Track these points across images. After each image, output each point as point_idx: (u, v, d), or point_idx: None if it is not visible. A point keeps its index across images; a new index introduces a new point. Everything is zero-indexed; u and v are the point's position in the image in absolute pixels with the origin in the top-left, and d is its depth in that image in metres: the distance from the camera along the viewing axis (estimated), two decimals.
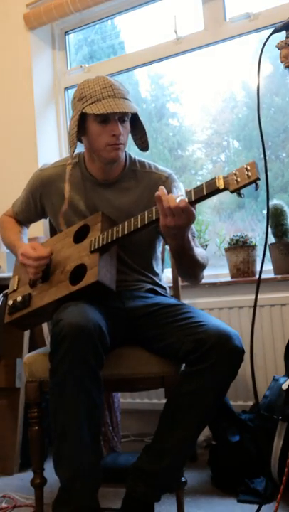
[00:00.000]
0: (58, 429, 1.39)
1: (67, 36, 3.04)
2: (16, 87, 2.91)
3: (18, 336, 2.19)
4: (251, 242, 2.32)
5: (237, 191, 1.28)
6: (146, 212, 1.45)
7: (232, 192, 1.28)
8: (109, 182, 1.70)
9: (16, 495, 1.89)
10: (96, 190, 1.70)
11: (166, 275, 2.18)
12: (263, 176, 1.28)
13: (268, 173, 1.34)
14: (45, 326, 2.28)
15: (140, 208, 1.63)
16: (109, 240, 1.50)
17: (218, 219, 2.70)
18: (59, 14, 2.74)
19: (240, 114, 2.73)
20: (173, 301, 1.72)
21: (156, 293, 1.73)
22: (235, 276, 2.32)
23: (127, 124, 1.62)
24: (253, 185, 1.26)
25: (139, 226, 1.45)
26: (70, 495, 1.37)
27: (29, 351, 2.09)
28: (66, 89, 3.00)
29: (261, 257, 1.44)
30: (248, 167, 1.26)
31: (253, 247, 2.32)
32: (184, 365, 1.51)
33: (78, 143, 1.63)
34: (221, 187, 1.30)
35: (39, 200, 1.80)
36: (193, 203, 1.35)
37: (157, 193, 1.37)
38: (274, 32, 1.43)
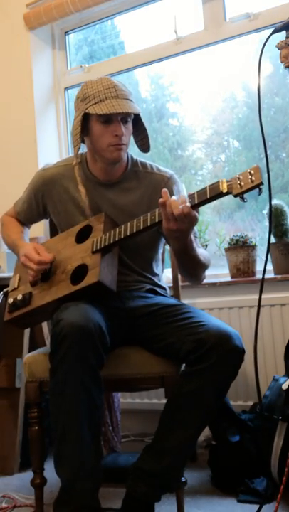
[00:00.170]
0: (59, 429, 1.39)
1: (67, 36, 3.04)
2: (16, 87, 2.91)
3: (18, 336, 2.19)
4: (251, 242, 2.32)
5: (240, 195, 1.28)
6: (149, 214, 1.45)
7: (235, 196, 1.28)
8: (111, 182, 1.70)
9: (16, 495, 1.89)
10: (98, 190, 1.71)
11: (166, 275, 2.18)
12: (264, 176, 1.28)
13: (269, 173, 1.34)
14: (45, 326, 2.28)
15: (142, 208, 1.64)
16: (112, 241, 1.50)
17: (218, 219, 2.70)
18: (59, 14, 2.74)
19: (241, 114, 2.73)
20: (173, 301, 1.72)
21: (156, 293, 1.73)
22: (235, 276, 2.32)
23: (130, 125, 1.63)
24: (256, 189, 1.26)
25: (141, 228, 1.45)
26: (70, 495, 1.37)
27: (29, 351, 2.09)
28: (66, 89, 3.00)
29: (261, 256, 1.44)
30: (252, 171, 1.26)
31: (253, 247, 2.32)
32: (184, 365, 1.51)
33: (81, 143, 1.64)
34: (225, 191, 1.30)
35: (41, 199, 1.80)
36: (196, 206, 1.36)
37: (161, 199, 1.37)
38: (274, 32, 1.43)
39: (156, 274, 1.78)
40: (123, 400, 2.43)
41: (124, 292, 1.66)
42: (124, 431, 2.40)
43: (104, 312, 1.50)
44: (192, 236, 1.49)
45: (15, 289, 1.76)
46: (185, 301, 2.00)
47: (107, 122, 1.57)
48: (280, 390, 1.78)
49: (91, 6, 2.67)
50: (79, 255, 1.58)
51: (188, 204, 1.34)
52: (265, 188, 1.28)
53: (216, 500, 1.75)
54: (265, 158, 1.34)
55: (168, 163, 2.82)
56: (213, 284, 2.32)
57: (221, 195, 1.31)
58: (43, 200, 1.80)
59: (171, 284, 1.98)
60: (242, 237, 2.32)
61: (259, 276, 2.27)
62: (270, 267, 2.25)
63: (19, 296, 1.68)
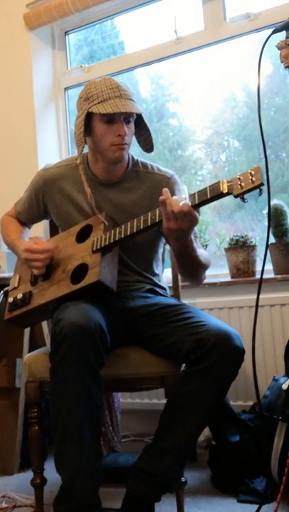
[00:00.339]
0: (59, 428, 1.39)
1: (67, 36, 3.04)
2: (16, 87, 2.91)
3: (18, 336, 2.19)
4: (251, 242, 2.32)
5: (241, 196, 1.28)
6: (149, 214, 1.45)
7: (236, 196, 1.28)
8: (112, 182, 1.71)
9: (16, 495, 1.89)
10: (99, 190, 1.71)
11: (166, 275, 2.18)
12: (264, 176, 1.28)
13: (269, 173, 1.34)
14: (45, 326, 2.28)
15: (142, 208, 1.64)
16: (112, 241, 1.50)
17: (218, 219, 2.70)
18: (59, 14, 2.74)
19: (241, 114, 2.73)
20: (173, 301, 1.72)
21: (156, 293, 1.74)
22: (235, 276, 2.32)
23: (132, 125, 1.63)
24: (257, 190, 1.26)
25: (142, 227, 1.45)
26: (70, 493, 1.37)
27: (29, 351, 2.09)
28: (66, 89, 3.00)
29: (261, 256, 1.44)
30: (253, 172, 1.26)
31: (253, 247, 2.32)
32: (184, 365, 1.51)
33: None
34: (225, 191, 1.30)
35: (42, 199, 1.80)
36: (196, 206, 1.36)
37: (161, 197, 1.37)
38: (274, 32, 1.43)
39: (156, 274, 1.78)
40: (123, 400, 2.43)
41: (124, 292, 1.66)
42: (124, 431, 2.40)
43: (104, 312, 1.50)
44: (192, 236, 1.49)
45: (15, 288, 1.76)
46: (185, 301, 2.00)
47: (110, 122, 1.58)
48: (280, 390, 1.78)
49: (91, 6, 2.67)
50: (79, 255, 1.58)
51: (188, 202, 1.35)
52: (265, 188, 1.28)
53: (216, 500, 1.75)
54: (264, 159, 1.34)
55: (168, 163, 2.82)
56: (213, 284, 2.32)
57: (221, 195, 1.31)
58: (44, 200, 1.80)
59: (171, 284, 1.98)
60: (242, 237, 2.32)
61: (259, 276, 2.27)
62: (270, 267, 2.25)
63: (19, 295, 1.68)
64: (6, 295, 1.83)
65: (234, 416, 1.91)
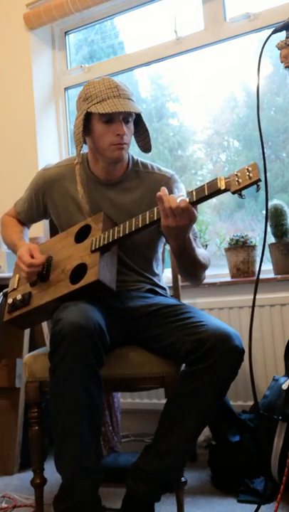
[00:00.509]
0: (59, 428, 1.39)
1: (67, 36, 3.04)
2: (16, 87, 2.91)
3: (18, 336, 2.19)
4: (251, 242, 2.32)
5: (238, 192, 1.28)
6: (147, 213, 1.45)
7: (233, 193, 1.29)
8: (112, 182, 1.71)
9: (16, 495, 1.89)
10: (99, 189, 1.71)
11: (166, 275, 2.18)
12: (262, 176, 1.28)
13: (268, 173, 1.35)
14: (45, 326, 2.28)
15: (142, 208, 1.64)
16: (110, 240, 1.50)
17: (218, 219, 2.70)
18: (59, 14, 2.74)
19: (241, 114, 2.73)
20: (173, 301, 1.72)
21: (156, 293, 1.73)
22: (235, 276, 2.32)
23: (131, 125, 1.63)
24: (254, 186, 1.26)
25: (140, 226, 1.45)
26: (70, 492, 1.38)
27: (29, 351, 2.09)
28: (66, 89, 3.00)
29: (260, 256, 1.44)
30: (250, 168, 1.26)
31: (253, 247, 2.32)
32: (184, 365, 1.51)
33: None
34: (223, 188, 1.30)
35: (42, 199, 1.80)
36: (194, 203, 1.36)
37: (158, 193, 1.37)
38: (274, 32, 1.43)
39: (156, 274, 1.78)
40: (123, 400, 2.43)
41: (123, 292, 1.66)
42: (124, 431, 2.40)
43: (104, 312, 1.50)
44: (192, 236, 1.49)
45: (14, 289, 1.76)
46: (185, 301, 2.00)
47: (109, 122, 1.58)
48: (280, 390, 1.78)
49: (91, 6, 2.67)
50: (78, 255, 1.58)
51: (186, 199, 1.35)
52: (263, 188, 1.28)
53: (216, 500, 1.75)
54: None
55: (168, 163, 2.82)
56: (213, 284, 2.32)
57: (219, 192, 1.31)
58: (44, 200, 1.80)
59: (171, 284, 1.98)
60: (242, 237, 2.32)
61: (260, 276, 2.27)
62: (270, 267, 2.25)
63: (18, 296, 1.68)
64: (5, 296, 1.82)
65: (234, 416, 1.91)
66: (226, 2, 2.52)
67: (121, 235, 1.48)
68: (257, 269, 2.30)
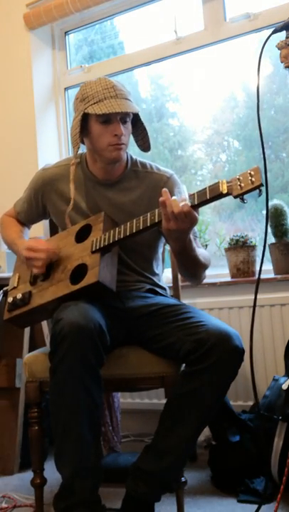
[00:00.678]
0: (59, 428, 1.39)
1: (67, 36, 3.04)
2: (16, 87, 2.91)
3: (18, 336, 2.19)
4: (251, 242, 2.32)
5: (240, 196, 1.28)
6: (148, 214, 1.45)
7: (235, 197, 1.28)
8: (110, 182, 1.71)
9: (16, 495, 1.89)
10: (98, 189, 1.71)
11: (166, 275, 2.18)
12: (263, 177, 1.28)
13: (268, 173, 1.34)
14: (45, 326, 2.28)
15: (141, 207, 1.64)
16: (111, 241, 1.50)
17: (218, 219, 2.70)
18: (59, 14, 2.74)
19: (241, 113, 2.73)
20: (173, 301, 1.72)
21: (156, 293, 1.73)
22: (235, 276, 2.32)
23: (129, 125, 1.63)
24: (256, 190, 1.26)
25: (141, 228, 1.45)
26: (70, 491, 1.38)
27: (29, 351, 2.09)
28: (66, 89, 3.00)
29: (261, 257, 1.44)
30: (252, 172, 1.26)
31: (253, 247, 2.32)
32: (184, 365, 1.51)
33: (80, 143, 1.64)
34: (225, 192, 1.30)
35: (41, 199, 1.80)
36: (196, 206, 1.36)
37: (161, 198, 1.37)
38: (274, 32, 1.43)
39: (156, 274, 1.78)
40: (123, 400, 2.43)
41: (123, 292, 1.66)
42: (124, 431, 2.40)
43: (104, 312, 1.50)
44: (192, 236, 1.49)
45: (14, 288, 1.76)
46: (185, 301, 2.00)
47: (106, 122, 1.58)
48: (280, 390, 1.78)
49: (91, 6, 2.67)
50: (78, 255, 1.58)
51: (188, 203, 1.35)
52: (263, 188, 1.28)
53: (216, 500, 1.75)
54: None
55: (168, 163, 2.82)
56: (213, 284, 2.32)
57: (220, 196, 1.31)
58: (43, 200, 1.80)
59: (171, 284, 1.98)
60: (242, 237, 2.32)
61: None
62: (270, 267, 2.25)
63: (19, 295, 1.68)
64: (5, 295, 1.82)
65: (234, 416, 1.91)
66: (225, 2, 2.52)
67: (122, 237, 1.48)
68: (257, 269, 2.32)
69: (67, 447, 1.38)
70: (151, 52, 2.71)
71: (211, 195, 1.32)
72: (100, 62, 2.93)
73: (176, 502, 1.56)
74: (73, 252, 1.61)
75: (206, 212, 2.62)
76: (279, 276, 2.18)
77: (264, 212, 2.42)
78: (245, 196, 1.28)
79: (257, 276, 1.43)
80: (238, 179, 1.28)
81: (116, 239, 1.49)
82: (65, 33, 3.02)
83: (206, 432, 2.14)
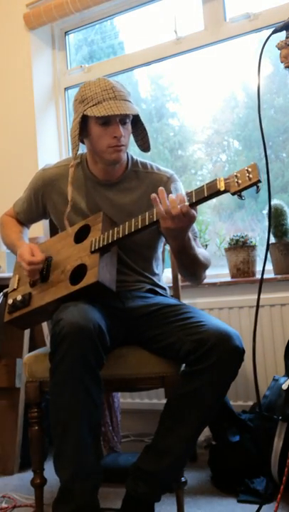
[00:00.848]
0: (59, 429, 1.39)
1: (67, 36, 3.04)
2: (16, 87, 2.91)
3: (18, 336, 2.19)
4: (251, 242, 2.32)
5: (238, 193, 1.27)
6: (147, 213, 1.45)
7: (233, 194, 1.28)
8: (111, 182, 1.71)
9: (16, 495, 1.89)
10: (98, 190, 1.71)
11: (166, 275, 2.18)
12: (264, 177, 1.28)
13: (269, 173, 1.34)
14: (45, 326, 2.28)
15: (141, 208, 1.64)
16: (110, 241, 1.50)
17: (218, 219, 2.70)
18: (59, 14, 2.74)
19: (241, 113, 2.73)
20: (173, 301, 1.72)
21: (156, 293, 1.73)
22: (235, 276, 2.32)
23: (129, 126, 1.63)
24: (254, 187, 1.26)
25: (140, 227, 1.45)
26: (70, 495, 1.37)
27: (29, 351, 2.09)
28: (66, 89, 3.00)
29: (261, 256, 1.44)
30: (249, 169, 1.26)
31: (253, 247, 2.32)
32: (184, 365, 1.51)
33: (80, 144, 1.64)
34: (222, 189, 1.30)
35: (41, 199, 1.80)
36: (193, 204, 1.36)
37: (153, 195, 1.37)
38: (274, 32, 1.43)
39: (156, 274, 1.78)
40: (123, 400, 2.43)
41: (123, 292, 1.66)
42: (124, 431, 2.40)
43: (103, 312, 1.50)
44: (191, 236, 1.49)
45: (14, 289, 1.76)
46: (185, 301, 2.00)
47: (105, 124, 1.57)
48: (280, 390, 1.78)
49: (91, 6, 2.67)
50: (78, 255, 1.58)
51: (186, 203, 1.34)
52: (265, 188, 1.28)
53: (216, 500, 1.75)
54: (264, 158, 1.34)
55: (168, 163, 2.82)
56: (213, 284, 2.32)
57: (218, 193, 1.31)
58: (43, 200, 1.80)
59: (171, 284, 1.98)
60: (242, 237, 2.32)
61: (259, 276, 2.27)
62: (270, 267, 2.25)
63: (19, 297, 1.68)
64: (5, 296, 1.83)
65: (234, 416, 1.91)
66: (225, 2, 2.52)
67: (120, 236, 1.48)
68: (257, 269, 2.32)
69: (66, 448, 1.38)
70: (151, 52, 2.71)
71: (209, 192, 1.32)
72: (99, 62, 2.93)
73: (176, 502, 1.56)
74: (72, 252, 1.61)
75: (206, 212, 2.62)
76: (279, 276, 2.18)
77: (264, 212, 2.42)
78: (244, 197, 1.28)
79: (259, 276, 1.43)
80: (236, 176, 1.28)
81: (115, 238, 1.49)
82: (65, 33, 3.02)
83: (206, 432, 2.14)
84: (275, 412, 1.75)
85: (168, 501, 1.68)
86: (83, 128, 1.61)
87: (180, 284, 2.01)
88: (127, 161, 1.73)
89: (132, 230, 1.46)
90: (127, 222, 1.49)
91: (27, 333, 2.22)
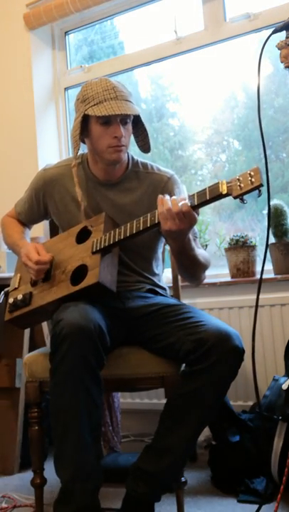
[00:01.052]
0: (59, 429, 1.39)
1: (67, 36, 3.04)
2: (16, 87, 2.91)
3: (18, 336, 2.19)
4: (251, 242, 2.32)
5: (240, 197, 1.28)
6: (148, 215, 1.45)
7: (235, 198, 1.28)
8: (111, 183, 1.71)
9: (16, 495, 1.89)
10: (98, 190, 1.71)
11: (166, 275, 2.18)
12: (264, 177, 1.28)
13: (268, 173, 1.34)
14: (45, 326, 2.28)
15: (142, 208, 1.64)
16: (112, 242, 1.50)
17: (218, 219, 2.70)
18: (59, 14, 2.74)
19: (241, 114, 2.73)
20: (173, 301, 1.72)
21: (156, 293, 1.73)
22: (235, 277, 2.32)
23: (129, 126, 1.63)
24: (256, 190, 1.26)
25: (141, 229, 1.45)
26: (71, 495, 1.37)
27: (29, 351, 2.09)
28: (66, 89, 3.01)
29: (261, 256, 1.44)
30: (252, 173, 1.26)
31: (253, 247, 2.32)
32: (184, 365, 1.51)
33: (81, 144, 1.64)
34: (224, 192, 1.30)
35: (42, 199, 1.80)
36: (195, 207, 1.36)
37: (160, 196, 1.37)
38: (274, 32, 1.43)
39: (156, 274, 1.78)
40: (123, 400, 2.43)
41: (124, 292, 1.66)
42: (124, 431, 2.40)
43: (104, 312, 1.50)
44: (191, 236, 1.49)
45: (15, 288, 1.76)
46: (185, 301, 2.00)
47: (106, 124, 1.58)
48: (280, 390, 1.78)
49: (91, 6, 2.67)
50: (79, 256, 1.58)
51: (187, 203, 1.35)
52: (264, 188, 1.28)
53: (216, 500, 1.75)
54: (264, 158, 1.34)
55: (168, 163, 2.82)
56: (213, 284, 2.32)
57: (220, 196, 1.31)
58: (44, 200, 1.80)
59: (171, 284, 1.98)
60: (242, 237, 2.32)
61: (259, 276, 2.27)
62: (270, 267, 2.25)
63: (19, 296, 1.68)
64: (6, 295, 1.83)
65: (234, 416, 1.91)
66: (225, 2, 2.52)
67: (122, 237, 1.48)
68: (257, 269, 2.32)
69: (66, 449, 1.38)
70: (151, 52, 2.71)
71: (211, 195, 1.32)
72: (99, 62, 2.93)
73: (176, 502, 1.56)
74: (74, 253, 1.61)
75: (206, 213, 2.62)
76: (279, 276, 2.18)
77: (264, 212, 2.42)
78: (245, 196, 1.28)
79: (259, 276, 1.43)
80: (238, 179, 1.28)
81: (116, 240, 1.49)
82: (65, 33, 3.03)
83: (206, 432, 2.14)
84: (275, 412, 1.75)
85: (168, 501, 1.68)
86: (84, 127, 1.61)
87: (180, 284, 2.01)
88: (128, 161, 1.73)
89: (134, 231, 1.46)
90: (128, 224, 1.49)
91: (27, 333, 2.22)
